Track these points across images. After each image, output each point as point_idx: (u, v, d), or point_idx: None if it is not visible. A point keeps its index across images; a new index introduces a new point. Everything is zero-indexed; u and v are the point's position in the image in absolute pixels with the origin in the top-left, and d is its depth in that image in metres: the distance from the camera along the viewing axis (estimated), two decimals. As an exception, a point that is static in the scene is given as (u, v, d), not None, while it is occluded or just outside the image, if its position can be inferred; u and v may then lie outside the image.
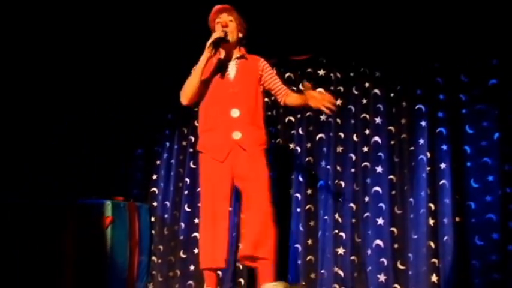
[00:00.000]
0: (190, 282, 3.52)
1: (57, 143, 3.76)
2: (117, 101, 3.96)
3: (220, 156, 2.45)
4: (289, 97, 2.61)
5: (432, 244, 3.06)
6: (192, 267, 3.53)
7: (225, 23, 2.46)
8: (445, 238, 3.06)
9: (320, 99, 2.42)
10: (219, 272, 2.62)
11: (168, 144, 3.88)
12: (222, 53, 2.57)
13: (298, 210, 3.41)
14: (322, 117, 3.51)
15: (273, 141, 3.56)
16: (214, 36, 2.42)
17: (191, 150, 3.72)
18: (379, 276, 3.13)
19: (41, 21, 3.53)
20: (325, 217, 3.34)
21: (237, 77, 2.48)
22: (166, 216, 3.74)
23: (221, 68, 2.53)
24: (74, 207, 3.29)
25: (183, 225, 3.65)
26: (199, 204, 3.66)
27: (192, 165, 3.70)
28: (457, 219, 3.07)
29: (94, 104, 3.92)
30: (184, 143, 3.82)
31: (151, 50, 3.82)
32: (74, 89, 3.86)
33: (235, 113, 2.43)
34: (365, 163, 3.37)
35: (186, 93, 2.50)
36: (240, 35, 2.53)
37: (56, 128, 3.78)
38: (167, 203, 3.77)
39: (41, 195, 3.47)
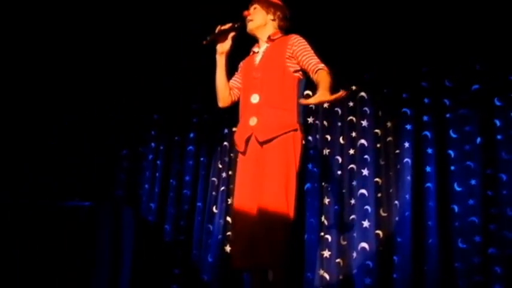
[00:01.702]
0: (174, 286, 3.49)
1: (40, 144, 3.69)
2: (102, 101, 3.90)
3: (240, 147, 2.28)
4: (319, 76, 2.23)
5: (416, 247, 3.10)
6: (176, 271, 3.50)
7: (248, 13, 2.38)
8: (430, 241, 3.11)
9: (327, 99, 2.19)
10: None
11: (153, 145, 3.84)
12: (259, 43, 2.42)
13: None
14: (310, 120, 3.52)
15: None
16: (216, 30, 2.30)
17: (178, 151, 3.69)
18: (364, 279, 3.16)
19: (35, 20, 3.45)
20: (311, 219, 3.35)
21: (262, 61, 2.33)
22: (150, 218, 3.70)
23: (251, 55, 2.43)
24: (56, 209, 3.23)
25: (167, 227, 3.62)
26: (185, 207, 3.68)
27: (178, 167, 3.67)
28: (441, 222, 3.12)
29: (78, 104, 3.85)
30: (170, 144, 3.79)
31: (137, 51, 3.77)
32: (57, 90, 3.78)
33: (255, 98, 2.25)
34: (351, 165, 3.39)
35: (219, 97, 2.40)
36: (271, 17, 2.39)
37: (40, 129, 3.70)
38: (152, 205, 3.73)
39: (23, 196, 3.40)
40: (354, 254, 3.22)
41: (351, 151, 3.41)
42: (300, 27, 3.44)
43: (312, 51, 2.29)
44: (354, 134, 3.43)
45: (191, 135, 3.80)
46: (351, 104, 3.48)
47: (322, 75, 2.21)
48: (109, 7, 3.45)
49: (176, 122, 3.79)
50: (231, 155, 3.64)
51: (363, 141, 3.39)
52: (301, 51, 2.29)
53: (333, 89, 2.18)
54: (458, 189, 3.17)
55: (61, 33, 3.58)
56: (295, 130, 2.23)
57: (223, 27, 2.30)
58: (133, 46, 3.74)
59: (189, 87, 3.82)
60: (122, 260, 3.43)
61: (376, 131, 3.40)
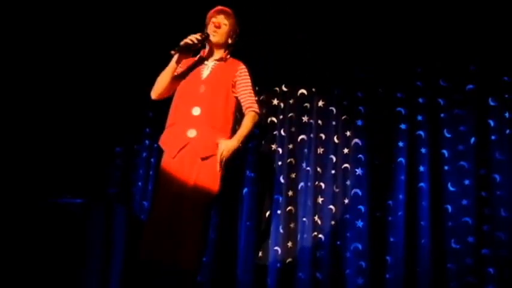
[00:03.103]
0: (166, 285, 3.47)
1: (32, 140, 3.66)
2: (96, 97, 3.87)
3: (171, 152, 2.36)
4: (245, 117, 2.47)
5: (409, 247, 3.09)
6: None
7: (219, 24, 2.45)
8: (422, 241, 3.09)
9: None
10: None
11: (147, 142, 3.82)
12: (205, 52, 2.54)
13: (279, 212, 3.39)
14: (304, 119, 3.51)
15: (255, 142, 3.55)
16: (186, 40, 2.39)
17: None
18: (357, 279, 3.15)
19: (28, 18, 3.44)
20: (304, 219, 3.34)
21: (209, 77, 2.44)
22: (143, 217, 3.68)
23: (197, 66, 2.51)
24: (47, 206, 3.21)
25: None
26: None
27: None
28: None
29: (71, 100, 3.82)
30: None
31: (131, 48, 3.75)
32: (52, 85, 3.76)
33: (196, 111, 2.35)
34: (345, 165, 3.38)
35: (156, 88, 2.49)
36: (230, 41, 2.51)
37: (31, 125, 3.68)
38: (145, 203, 3.70)
39: (13, 193, 3.37)
40: (348, 254, 3.20)
41: (345, 150, 3.40)
42: (296, 26, 3.47)
43: (251, 88, 2.49)
44: (348, 133, 3.42)
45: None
46: (346, 103, 3.47)
47: (246, 120, 2.45)
48: (105, 4, 3.43)
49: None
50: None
51: (357, 140, 3.38)
52: (242, 86, 2.47)
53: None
54: (451, 189, 3.16)
55: (55, 30, 3.56)
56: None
57: (193, 39, 2.38)
58: (127, 43, 3.73)
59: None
60: (113, 259, 3.40)
61: (370, 130, 3.39)
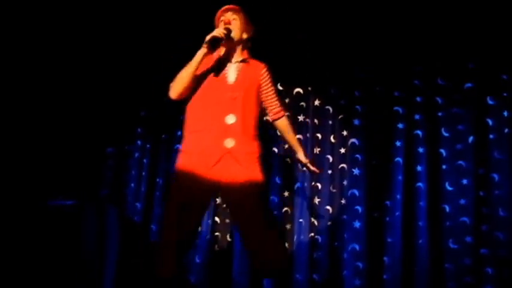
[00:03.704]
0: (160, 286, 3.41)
1: (23, 142, 3.57)
2: (87, 96, 3.79)
3: (209, 162, 2.22)
4: (282, 122, 2.46)
5: (407, 248, 3.06)
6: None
7: (228, 21, 2.31)
8: (420, 241, 3.07)
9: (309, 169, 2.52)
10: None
11: (140, 142, 3.74)
12: (222, 52, 2.36)
13: (275, 213, 3.34)
14: (300, 118, 3.46)
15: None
16: (213, 33, 2.22)
17: (165, 149, 3.60)
18: (355, 280, 3.11)
19: (21, 17, 3.35)
20: (301, 220, 3.29)
21: (238, 81, 2.28)
22: (136, 218, 3.61)
23: (219, 68, 2.33)
24: (39, 208, 3.14)
25: (154, 228, 3.54)
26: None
27: (165, 165, 3.58)
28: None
29: (62, 100, 3.73)
30: (157, 142, 3.70)
31: (123, 47, 3.67)
32: (43, 86, 3.67)
33: (231, 119, 2.23)
34: (342, 165, 3.34)
35: (176, 88, 2.28)
36: (245, 35, 2.34)
37: (22, 126, 3.58)
38: (138, 204, 3.64)
39: (7, 196, 3.29)
40: (345, 255, 3.17)
41: (342, 150, 3.36)
42: (293, 25, 3.42)
43: (276, 91, 2.46)
44: (345, 133, 3.38)
45: (178, 133, 3.71)
46: (342, 102, 3.42)
47: (285, 124, 2.48)
48: (98, 4, 3.36)
49: (163, 120, 3.69)
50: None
51: (354, 140, 3.34)
52: (269, 90, 2.40)
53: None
54: (449, 188, 3.14)
55: (46, 31, 3.48)
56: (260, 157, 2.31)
57: (220, 35, 2.23)
58: (120, 42, 3.65)
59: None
60: (106, 261, 3.34)
61: (368, 129, 3.35)
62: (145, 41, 3.57)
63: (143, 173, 3.67)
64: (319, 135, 3.42)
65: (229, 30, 2.27)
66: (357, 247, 3.16)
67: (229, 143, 2.21)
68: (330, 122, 3.42)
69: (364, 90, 3.39)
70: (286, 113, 2.49)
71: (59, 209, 3.12)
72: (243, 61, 2.34)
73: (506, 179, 3.01)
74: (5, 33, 3.42)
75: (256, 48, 3.43)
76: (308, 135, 3.42)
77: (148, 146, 3.72)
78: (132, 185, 3.68)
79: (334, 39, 3.42)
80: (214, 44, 2.23)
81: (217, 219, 3.43)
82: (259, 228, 2.18)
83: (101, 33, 3.57)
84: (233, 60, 2.34)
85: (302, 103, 3.49)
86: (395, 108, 3.31)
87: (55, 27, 3.49)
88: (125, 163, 3.74)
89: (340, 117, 3.40)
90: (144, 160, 3.70)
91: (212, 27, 2.33)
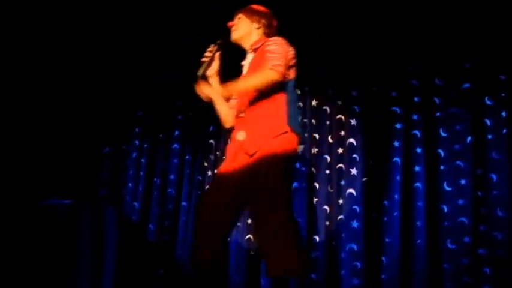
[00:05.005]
0: (158, 287, 3.41)
1: (20, 142, 3.56)
2: (85, 96, 3.79)
3: (228, 158, 2.20)
4: (262, 74, 2.12)
5: (405, 248, 3.05)
6: (161, 271, 3.41)
7: (232, 23, 2.31)
8: (418, 241, 3.06)
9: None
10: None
11: (137, 142, 3.74)
12: (246, 55, 2.33)
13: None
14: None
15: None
16: (202, 60, 2.22)
17: (162, 149, 3.60)
18: (352, 280, 3.11)
19: (18, 16, 3.35)
20: (299, 219, 3.28)
21: (248, 72, 2.24)
22: (134, 217, 3.61)
23: (242, 70, 2.32)
24: (35, 207, 3.13)
25: (152, 227, 3.53)
26: (170, 206, 3.60)
27: (162, 165, 3.58)
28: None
29: (59, 100, 3.73)
30: (155, 142, 3.70)
31: (121, 47, 3.67)
32: (39, 85, 3.66)
33: (243, 112, 2.18)
34: (340, 165, 3.33)
35: (221, 119, 2.30)
36: (256, 25, 2.29)
37: (19, 126, 3.58)
38: (136, 204, 3.63)
39: (3, 195, 3.28)
40: (343, 254, 3.17)
41: (340, 150, 3.35)
42: (289, 25, 3.41)
43: (278, 52, 2.12)
44: (342, 133, 3.37)
45: (176, 133, 3.72)
46: (340, 102, 3.41)
47: (260, 76, 2.10)
48: (93, 4, 3.36)
49: (161, 120, 3.69)
50: (217, 153, 3.56)
51: (351, 140, 3.34)
52: (268, 53, 2.13)
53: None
54: (447, 189, 3.13)
55: (41, 31, 3.48)
56: (285, 133, 2.09)
57: (208, 54, 2.22)
58: (117, 42, 3.65)
59: (174, 83, 3.73)
60: (104, 261, 3.34)
61: (365, 129, 3.34)
62: (144, 41, 3.56)
63: (141, 173, 3.67)
64: (316, 135, 3.42)
65: (219, 45, 2.25)
66: (355, 247, 3.16)
67: (241, 135, 2.15)
68: (328, 122, 3.42)
69: (362, 90, 3.39)
70: (271, 68, 2.08)
71: (55, 208, 3.12)
72: (253, 50, 2.28)
73: (505, 179, 2.99)
74: (2, 33, 3.42)
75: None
76: (306, 135, 3.42)
77: (146, 145, 3.72)
78: (130, 184, 3.68)
79: (331, 39, 3.42)
80: (207, 67, 2.21)
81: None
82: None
83: (96, 32, 3.57)
84: (248, 54, 2.31)
85: (299, 103, 3.48)
86: (393, 108, 3.30)
87: (53, 26, 3.49)
88: (123, 163, 3.75)
89: (337, 117, 3.39)
90: (142, 160, 3.70)
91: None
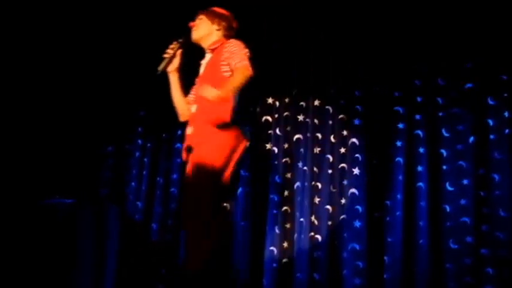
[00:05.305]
0: (161, 286, 3.42)
1: (23, 141, 3.57)
2: (88, 95, 3.79)
3: (183, 156, 2.34)
4: (236, 73, 2.21)
5: (407, 247, 3.06)
6: (163, 271, 3.42)
7: (193, 24, 2.41)
8: (420, 241, 3.07)
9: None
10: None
11: (140, 142, 3.75)
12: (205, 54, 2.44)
13: (275, 212, 3.35)
14: (300, 118, 3.46)
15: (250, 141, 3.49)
16: (163, 56, 2.35)
17: (165, 148, 3.61)
18: (355, 279, 3.11)
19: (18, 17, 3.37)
20: (301, 219, 3.29)
21: (203, 73, 2.39)
22: (137, 217, 3.62)
23: (199, 68, 2.43)
24: (37, 207, 3.14)
25: (154, 226, 3.54)
26: (173, 205, 3.60)
27: (165, 164, 3.59)
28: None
29: (61, 99, 3.74)
30: (157, 141, 3.70)
31: (123, 47, 3.68)
32: (41, 85, 3.67)
33: (194, 108, 2.32)
34: (342, 164, 3.34)
35: (177, 112, 2.43)
36: (216, 27, 2.39)
37: (21, 125, 3.59)
38: (139, 203, 3.64)
39: (6, 194, 3.29)
40: (345, 254, 3.17)
41: (342, 150, 3.36)
42: (293, 25, 3.43)
43: (240, 52, 2.24)
44: (345, 133, 3.38)
45: (179, 132, 3.72)
46: (342, 102, 3.42)
47: (233, 74, 2.21)
48: (97, 3, 3.36)
49: (163, 119, 3.69)
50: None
51: (354, 139, 3.34)
52: (229, 54, 2.26)
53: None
54: (450, 189, 3.14)
55: (44, 30, 3.49)
56: (229, 127, 2.19)
57: (169, 51, 2.33)
58: (119, 42, 3.66)
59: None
60: (106, 260, 3.34)
61: (368, 129, 3.35)
62: (146, 40, 3.57)
63: (144, 172, 3.68)
64: (319, 135, 3.42)
65: (182, 43, 2.36)
66: (357, 246, 3.16)
67: (190, 130, 2.28)
68: (330, 122, 3.42)
69: (365, 90, 3.39)
70: (242, 65, 2.19)
71: (57, 207, 3.13)
72: (211, 50, 2.39)
73: (507, 179, 3.00)
74: (4, 33, 3.43)
75: (257, 48, 3.46)
76: (308, 135, 3.42)
77: (149, 145, 3.73)
78: (133, 184, 3.69)
79: (334, 39, 3.42)
80: (168, 64, 2.34)
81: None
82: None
83: (99, 31, 3.58)
84: (206, 54, 2.41)
85: (302, 103, 3.49)
86: (396, 108, 3.31)
87: (56, 26, 3.51)
88: (126, 162, 3.75)
89: (340, 117, 3.40)
90: (145, 159, 3.70)
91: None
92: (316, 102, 3.46)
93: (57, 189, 3.37)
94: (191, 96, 2.42)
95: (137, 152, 3.74)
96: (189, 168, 2.25)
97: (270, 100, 3.54)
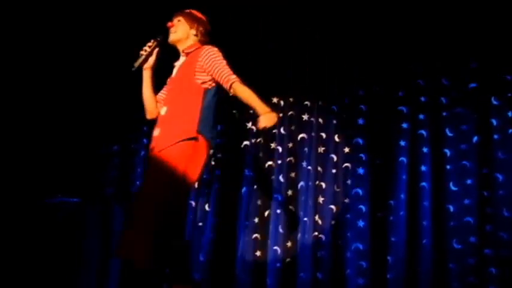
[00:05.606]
0: (165, 286, 3.43)
1: (28, 140, 3.61)
2: (93, 94, 3.82)
3: (149, 153, 2.35)
4: (234, 91, 2.26)
5: (411, 247, 3.06)
6: (167, 270, 3.43)
7: (171, 24, 2.43)
8: (424, 241, 3.07)
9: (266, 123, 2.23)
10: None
11: (145, 141, 3.77)
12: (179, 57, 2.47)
13: (278, 211, 3.36)
14: (305, 117, 3.47)
15: (254, 141, 3.52)
16: (140, 53, 2.40)
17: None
18: (358, 279, 3.12)
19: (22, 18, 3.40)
20: (305, 219, 3.30)
21: (176, 75, 2.42)
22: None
23: (173, 71, 2.48)
24: (42, 206, 3.17)
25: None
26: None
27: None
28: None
29: (67, 98, 3.77)
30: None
31: (128, 46, 3.69)
32: (47, 84, 3.71)
33: (163, 110, 2.34)
34: (346, 164, 3.34)
35: (145, 109, 2.49)
36: (193, 31, 2.43)
37: (27, 124, 3.63)
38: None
39: (12, 194, 3.33)
40: (348, 254, 3.18)
41: (346, 149, 3.36)
42: (297, 25, 3.43)
43: (221, 62, 2.29)
44: (349, 132, 3.38)
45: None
46: (347, 101, 3.43)
47: (240, 91, 2.25)
48: (102, 4, 3.38)
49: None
50: (224, 152, 3.58)
51: (358, 139, 3.35)
52: (210, 64, 2.29)
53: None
54: (453, 188, 3.13)
55: (48, 29, 3.52)
56: (194, 139, 2.22)
57: (146, 49, 2.38)
58: (124, 41, 3.67)
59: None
60: (111, 259, 3.37)
61: (372, 129, 3.35)
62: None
63: (149, 172, 3.69)
64: (323, 134, 3.43)
65: (158, 42, 2.41)
66: (361, 246, 3.17)
67: (157, 131, 2.31)
68: (334, 121, 3.43)
69: (369, 89, 3.39)
70: (235, 80, 2.24)
71: (62, 207, 3.16)
72: (185, 54, 2.42)
73: (511, 179, 3.00)
74: (6, 33, 3.46)
75: (259, 48, 3.48)
76: (312, 134, 3.43)
77: (153, 144, 3.74)
78: (138, 183, 3.70)
79: (339, 39, 3.43)
80: (144, 62, 2.39)
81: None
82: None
83: (104, 31, 3.60)
84: (181, 56, 2.44)
85: (306, 102, 3.50)
86: (400, 107, 3.31)
87: (60, 26, 3.53)
88: (131, 161, 3.77)
89: (344, 116, 3.41)
90: (150, 158, 3.72)
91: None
92: (320, 102, 3.47)
93: (63, 189, 3.40)
94: (161, 95, 2.47)
95: (142, 151, 3.76)
96: (149, 170, 2.29)
97: (275, 99, 3.56)
